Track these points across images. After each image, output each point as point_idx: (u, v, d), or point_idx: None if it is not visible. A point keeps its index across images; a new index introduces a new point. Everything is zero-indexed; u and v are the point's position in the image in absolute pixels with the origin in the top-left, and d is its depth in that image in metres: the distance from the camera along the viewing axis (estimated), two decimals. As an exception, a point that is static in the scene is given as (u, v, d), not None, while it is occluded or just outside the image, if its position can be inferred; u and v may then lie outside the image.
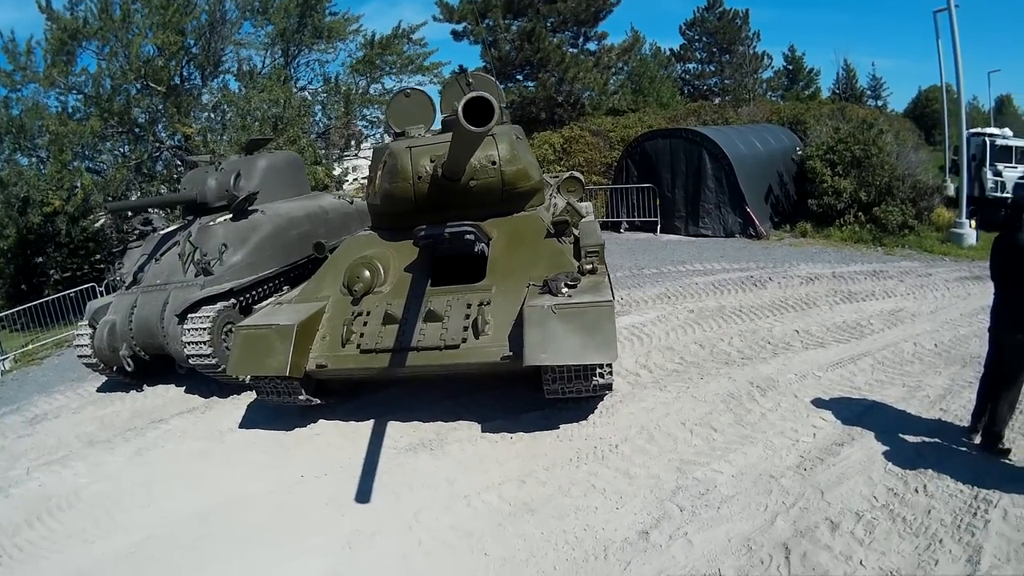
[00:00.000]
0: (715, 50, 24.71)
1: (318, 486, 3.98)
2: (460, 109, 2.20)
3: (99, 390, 6.45)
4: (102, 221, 11.07)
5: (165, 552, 3.52)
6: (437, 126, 5.98)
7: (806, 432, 3.97)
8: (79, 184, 9.89)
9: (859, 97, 29.49)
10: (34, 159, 10.49)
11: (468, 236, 4.42)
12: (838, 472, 3.48)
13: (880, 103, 31.50)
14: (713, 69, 24.92)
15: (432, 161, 4.66)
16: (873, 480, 3.37)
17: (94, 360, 5.87)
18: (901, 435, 3.80)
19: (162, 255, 6.20)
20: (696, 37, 25.14)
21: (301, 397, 4.50)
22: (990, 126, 14.08)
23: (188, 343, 5.34)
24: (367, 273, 4.63)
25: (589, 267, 4.40)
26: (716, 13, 23.91)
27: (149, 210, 6.90)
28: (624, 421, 4.37)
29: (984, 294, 6.52)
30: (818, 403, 4.34)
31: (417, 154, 4.75)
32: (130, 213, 10.54)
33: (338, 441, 4.55)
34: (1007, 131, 12.31)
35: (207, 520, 3.75)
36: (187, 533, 3.66)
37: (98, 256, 10.66)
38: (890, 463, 3.51)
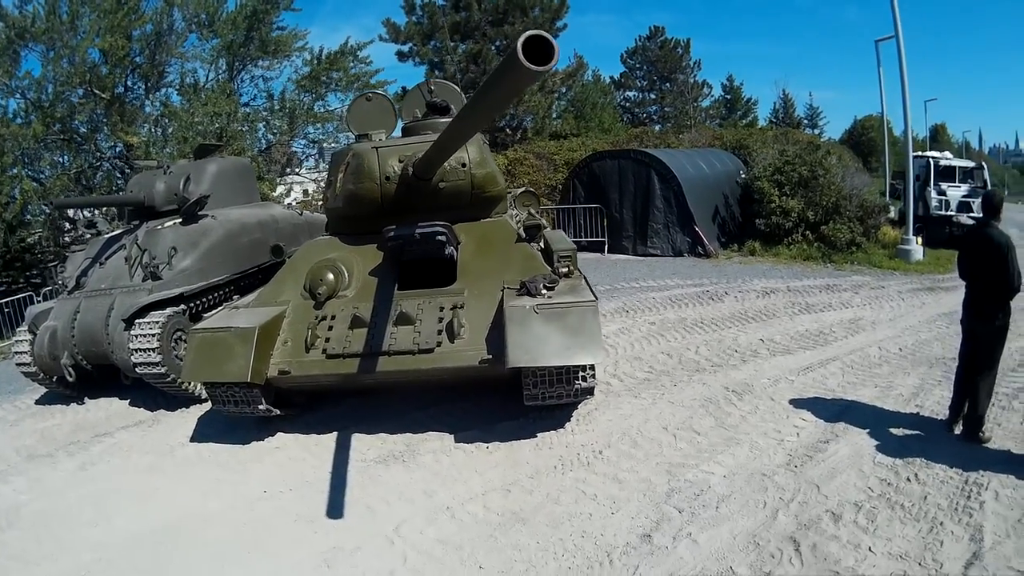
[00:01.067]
0: (655, 78, 25.53)
1: (283, 501, 3.59)
2: (520, 44, 1.97)
3: (38, 402, 5.78)
4: (39, 233, 10.17)
5: (119, 574, 3.06)
6: (397, 133, 5.81)
7: (789, 432, 3.97)
8: (18, 191, 9.08)
9: (796, 125, 30.58)
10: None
11: (439, 237, 4.20)
12: (829, 467, 3.49)
13: (817, 131, 32.83)
14: (653, 97, 25.70)
15: (401, 161, 4.47)
16: (865, 472, 3.40)
17: (33, 369, 5.27)
18: (883, 430, 3.88)
19: (107, 259, 5.65)
20: (637, 65, 26.01)
21: (261, 407, 4.10)
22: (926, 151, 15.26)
23: (135, 350, 4.83)
24: (330, 276, 4.33)
25: (565, 270, 4.29)
26: (657, 42, 24.78)
27: (93, 212, 6.32)
28: (604, 428, 4.22)
29: (938, 303, 6.96)
30: (795, 404, 4.37)
31: (384, 154, 4.54)
32: (67, 224, 9.74)
33: (300, 455, 4.16)
34: (947, 154, 13.29)
35: (164, 539, 3.31)
36: (142, 553, 3.21)
37: (34, 270, 9.76)
38: (878, 456, 3.58)
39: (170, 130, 10.21)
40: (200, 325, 4.17)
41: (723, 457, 3.70)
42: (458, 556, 2.98)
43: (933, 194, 11.14)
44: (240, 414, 4.23)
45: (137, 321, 4.91)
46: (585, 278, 4.36)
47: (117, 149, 10.53)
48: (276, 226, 6.79)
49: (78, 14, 9.38)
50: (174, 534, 3.34)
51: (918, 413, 4.10)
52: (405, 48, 16.48)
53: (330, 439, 4.33)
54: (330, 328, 4.07)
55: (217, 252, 5.72)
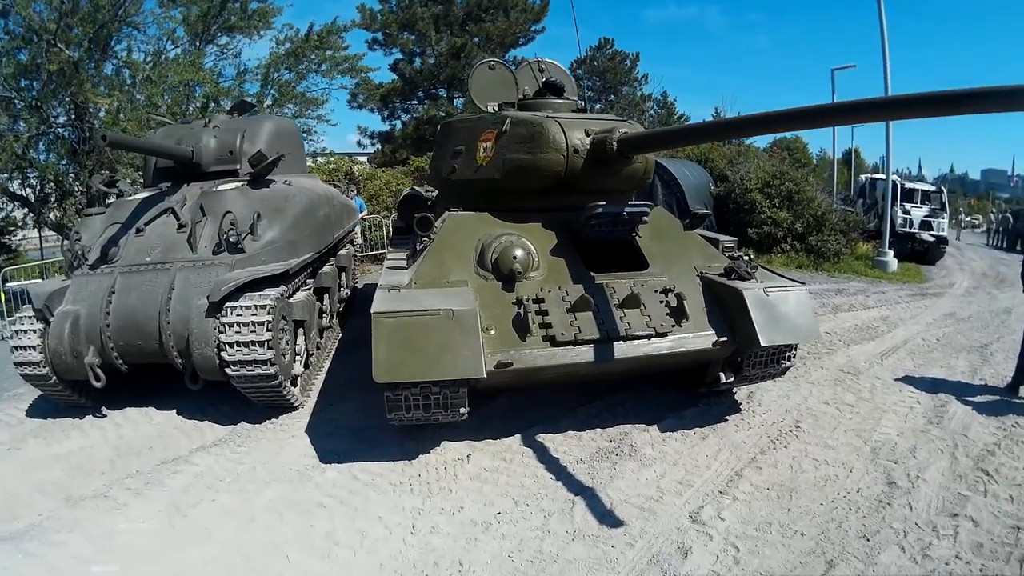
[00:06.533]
0: (602, 89, 26.58)
1: (532, 521, 3.12)
2: None
3: (31, 415, 4.37)
4: None
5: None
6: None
7: (911, 401, 4.79)
8: None
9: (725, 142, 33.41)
10: None
11: (645, 218, 4.21)
12: (960, 422, 4.37)
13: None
14: (600, 108, 26.89)
15: (588, 135, 4.34)
16: (984, 423, 4.33)
17: (43, 371, 3.95)
18: (971, 396, 4.86)
19: (147, 225, 4.49)
20: (584, 76, 27.07)
21: (463, 409, 3.57)
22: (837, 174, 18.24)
23: (231, 344, 3.88)
24: (522, 253, 3.96)
25: (746, 257, 4.54)
26: (607, 53, 25.81)
27: (113, 170, 5.01)
28: (778, 407, 4.61)
29: (936, 306, 8.53)
30: (897, 381, 5.24)
31: (569, 125, 4.36)
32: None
33: (495, 464, 3.72)
34: (896, 177, 16.06)
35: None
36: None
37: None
38: (983, 412, 4.54)
39: (139, 94, 8.55)
40: (385, 308, 3.38)
41: (884, 421, 4.37)
42: (777, 531, 3.05)
43: (899, 213, 13.14)
44: (423, 421, 3.59)
45: (228, 305, 3.97)
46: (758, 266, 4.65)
47: (65, 117, 8.52)
48: (332, 202, 6.02)
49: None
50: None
51: (986, 383, 5.22)
52: (379, 37, 15.71)
53: (514, 442, 3.99)
54: (542, 313, 3.74)
55: (303, 224, 4.89)
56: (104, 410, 4.43)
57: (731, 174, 12.14)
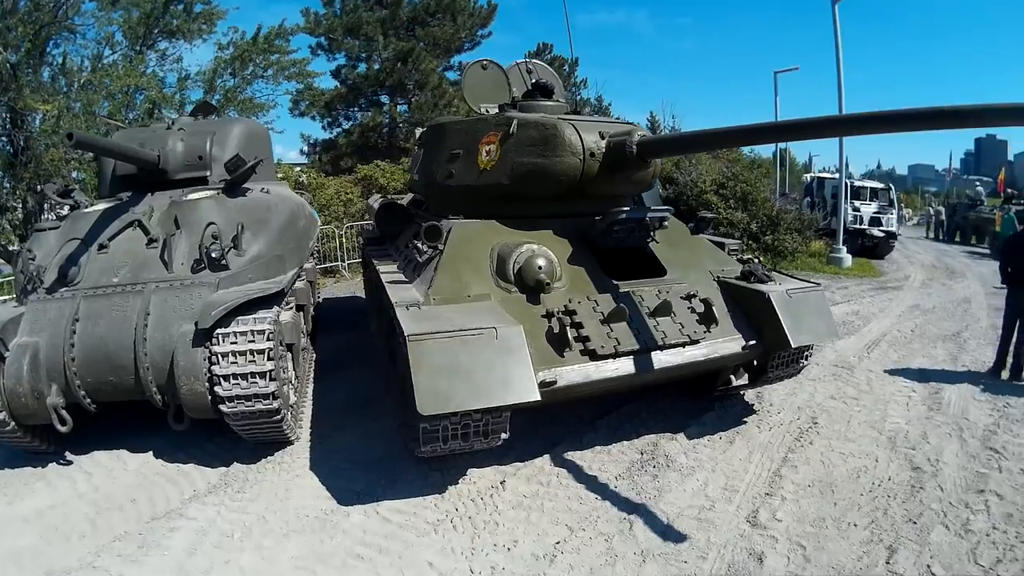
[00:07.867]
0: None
1: (595, 547, 3.01)
2: None
3: None
4: None
5: None
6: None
7: (907, 391, 5.10)
8: None
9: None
10: None
11: (665, 223, 4.24)
12: (958, 407, 4.69)
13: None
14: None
15: (602, 138, 4.31)
16: (979, 406, 4.71)
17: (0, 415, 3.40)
18: (959, 382, 5.27)
19: (110, 241, 3.99)
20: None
21: (504, 435, 3.38)
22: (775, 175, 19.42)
23: (228, 376, 3.46)
24: (545, 263, 3.83)
25: (757, 260, 4.67)
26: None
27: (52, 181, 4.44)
28: (790, 406, 4.77)
29: (900, 299, 9.06)
30: (888, 373, 5.56)
31: (584, 128, 4.31)
32: None
33: (536, 489, 3.56)
34: (832, 173, 16.95)
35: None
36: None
37: None
38: (976, 395, 4.95)
39: (78, 99, 7.81)
40: (419, 330, 3.04)
41: (890, 411, 4.66)
42: (832, 526, 3.16)
43: (848, 210, 13.78)
44: (459, 451, 3.36)
45: (220, 332, 3.53)
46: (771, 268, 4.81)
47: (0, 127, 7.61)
48: (305, 211, 5.66)
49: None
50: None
51: (969, 369, 5.67)
52: (323, 42, 15.48)
53: (545, 464, 3.87)
54: (575, 325, 3.59)
55: (289, 236, 4.55)
56: (68, 455, 3.89)
57: (680, 176, 12.60)
